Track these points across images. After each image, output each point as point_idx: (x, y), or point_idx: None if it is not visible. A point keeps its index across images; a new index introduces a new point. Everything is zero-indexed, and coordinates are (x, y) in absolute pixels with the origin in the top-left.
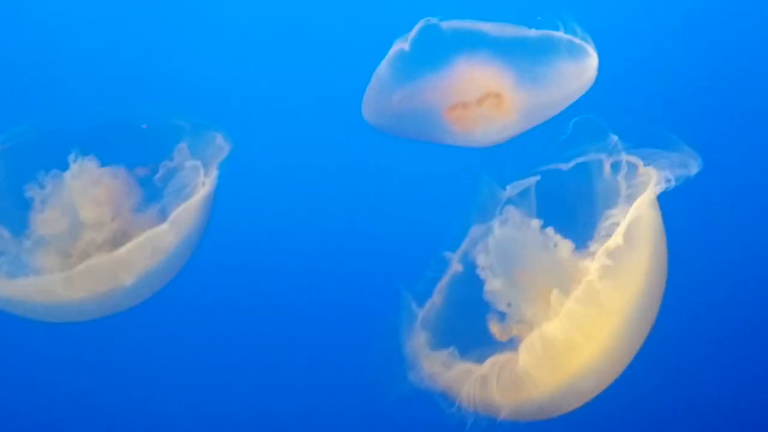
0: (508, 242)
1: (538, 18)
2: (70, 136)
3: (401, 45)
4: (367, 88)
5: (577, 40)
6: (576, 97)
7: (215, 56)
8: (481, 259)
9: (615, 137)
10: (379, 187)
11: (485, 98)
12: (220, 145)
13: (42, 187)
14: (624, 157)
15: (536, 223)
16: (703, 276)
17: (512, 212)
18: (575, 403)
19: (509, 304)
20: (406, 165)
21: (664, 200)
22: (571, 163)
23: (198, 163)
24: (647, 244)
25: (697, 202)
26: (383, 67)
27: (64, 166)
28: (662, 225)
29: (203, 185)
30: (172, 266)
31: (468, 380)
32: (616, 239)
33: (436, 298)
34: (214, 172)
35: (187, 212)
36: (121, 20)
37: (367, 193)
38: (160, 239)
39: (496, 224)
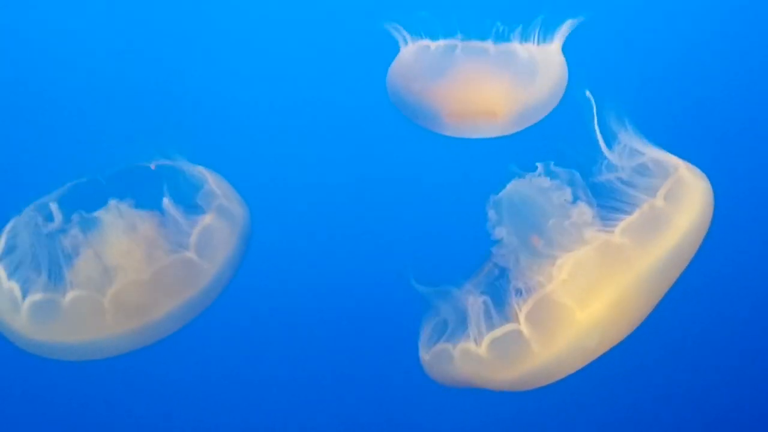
0: (520, 198)
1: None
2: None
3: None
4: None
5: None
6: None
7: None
8: (491, 215)
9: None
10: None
11: (480, 115)
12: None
13: (75, 232)
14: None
15: (546, 182)
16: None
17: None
18: (579, 363)
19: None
20: (426, 157)
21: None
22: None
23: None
24: (678, 212)
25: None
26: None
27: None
28: (700, 204)
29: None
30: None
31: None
32: (657, 199)
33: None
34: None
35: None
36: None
37: (393, 186)
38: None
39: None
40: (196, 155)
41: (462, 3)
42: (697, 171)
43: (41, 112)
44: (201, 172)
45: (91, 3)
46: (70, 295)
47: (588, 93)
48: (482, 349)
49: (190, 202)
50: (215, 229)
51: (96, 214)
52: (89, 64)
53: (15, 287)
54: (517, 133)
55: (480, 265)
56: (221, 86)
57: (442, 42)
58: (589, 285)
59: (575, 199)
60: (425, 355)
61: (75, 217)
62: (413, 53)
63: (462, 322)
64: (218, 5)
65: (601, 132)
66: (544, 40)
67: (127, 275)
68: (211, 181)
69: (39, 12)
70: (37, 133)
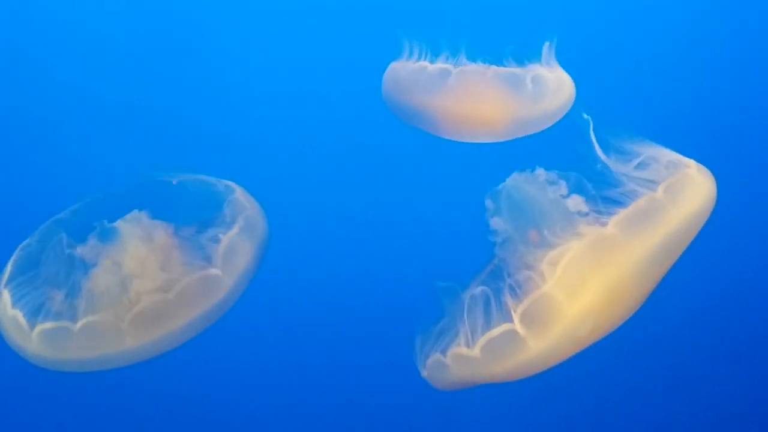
0: (518, 191)
1: (511, 47)
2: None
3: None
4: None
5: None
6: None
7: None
8: (489, 204)
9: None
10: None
11: (478, 125)
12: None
13: (93, 242)
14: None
15: (542, 173)
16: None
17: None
18: (573, 351)
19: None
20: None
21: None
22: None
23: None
24: (673, 204)
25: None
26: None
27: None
28: (699, 199)
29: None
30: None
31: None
32: (657, 192)
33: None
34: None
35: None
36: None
37: (394, 186)
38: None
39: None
40: (203, 166)
41: (475, 17)
42: (707, 171)
43: (61, 127)
44: (228, 184)
45: (110, 17)
46: (83, 321)
47: (585, 115)
48: (476, 351)
49: (211, 214)
50: (239, 242)
51: (115, 224)
52: (108, 79)
53: (19, 315)
54: (523, 138)
55: (478, 266)
56: (229, 98)
57: (439, 64)
58: (581, 276)
59: (575, 194)
60: (423, 371)
61: (96, 225)
62: (410, 70)
63: (453, 326)
64: (229, 13)
65: (614, 134)
66: (551, 57)
67: (145, 287)
68: (239, 193)
69: (56, 27)
70: (57, 148)
